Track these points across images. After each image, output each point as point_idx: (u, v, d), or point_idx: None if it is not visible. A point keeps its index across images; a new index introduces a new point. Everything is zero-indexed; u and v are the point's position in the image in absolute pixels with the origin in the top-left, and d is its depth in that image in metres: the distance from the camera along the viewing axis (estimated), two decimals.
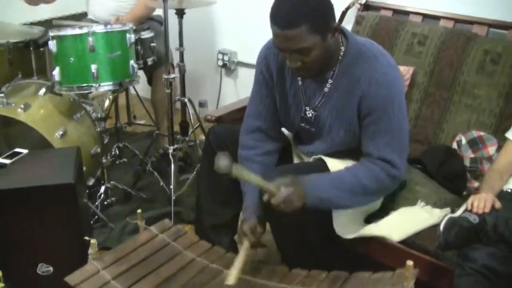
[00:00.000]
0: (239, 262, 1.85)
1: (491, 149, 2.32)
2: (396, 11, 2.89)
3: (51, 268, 2.19)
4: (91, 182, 2.96)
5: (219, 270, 1.97)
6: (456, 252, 1.80)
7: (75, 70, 2.53)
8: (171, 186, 2.79)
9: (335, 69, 1.94)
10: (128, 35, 2.61)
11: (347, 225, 2.01)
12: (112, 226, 2.69)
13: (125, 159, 3.38)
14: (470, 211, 1.81)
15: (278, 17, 1.76)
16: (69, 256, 2.04)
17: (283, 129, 2.23)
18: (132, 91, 3.86)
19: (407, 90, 2.58)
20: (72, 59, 2.51)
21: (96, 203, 2.79)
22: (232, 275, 1.80)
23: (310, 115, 2.04)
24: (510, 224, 1.74)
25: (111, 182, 2.90)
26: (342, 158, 2.04)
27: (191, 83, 3.99)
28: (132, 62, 2.64)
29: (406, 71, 2.58)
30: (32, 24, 3.48)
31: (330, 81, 1.96)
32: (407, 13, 2.84)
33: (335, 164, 2.01)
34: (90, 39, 2.48)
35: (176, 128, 3.51)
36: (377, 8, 2.96)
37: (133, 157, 3.35)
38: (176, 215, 2.76)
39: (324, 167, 2.00)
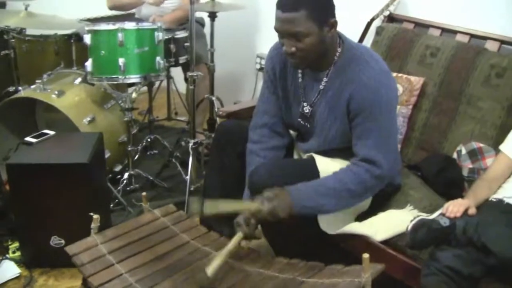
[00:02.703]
0: (224, 253, 1.89)
1: (489, 161, 2.37)
2: (417, 24, 2.98)
3: (63, 241, 2.40)
4: (118, 168, 3.19)
5: (209, 252, 2.12)
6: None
7: (105, 62, 2.76)
8: (187, 177, 2.97)
9: (330, 68, 2.08)
10: (156, 33, 2.82)
11: (331, 222, 2.11)
12: (130, 210, 2.89)
13: (156, 151, 3.60)
14: (444, 214, 1.89)
15: (282, 1, 1.94)
16: (80, 231, 2.17)
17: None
18: (173, 88, 4.09)
19: (416, 99, 2.67)
20: (103, 52, 2.75)
21: (118, 188, 3.00)
22: (212, 266, 1.82)
23: (307, 110, 2.17)
24: (479, 229, 1.81)
25: (135, 169, 3.10)
26: (333, 157, 2.15)
27: (229, 83, 4.19)
28: (158, 58, 2.84)
29: (416, 81, 2.66)
30: (89, 20, 3.74)
31: (325, 79, 2.09)
32: (427, 26, 2.93)
33: (324, 162, 2.13)
34: (120, 34, 2.70)
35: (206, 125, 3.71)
36: (400, 20, 3.06)
37: (164, 149, 3.55)
38: None
39: (313, 165, 2.11)
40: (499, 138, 2.35)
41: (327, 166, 2.11)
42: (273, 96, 2.29)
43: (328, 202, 2.01)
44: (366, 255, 1.70)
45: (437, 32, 2.86)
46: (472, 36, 2.74)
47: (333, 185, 2.01)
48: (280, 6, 1.94)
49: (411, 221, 1.88)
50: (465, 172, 2.40)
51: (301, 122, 2.22)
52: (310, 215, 2.05)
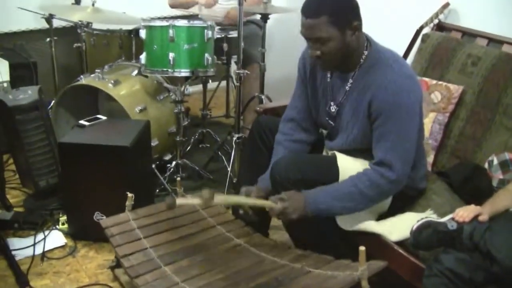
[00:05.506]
0: (236, 199, 2.19)
1: None
2: (465, 33, 2.97)
3: (104, 217, 2.58)
4: (167, 157, 3.38)
5: (231, 238, 2.26)
6: None
7: (157, 56, 2.94)
8: (229, 168, 3.11)
9: (356, 70, 2.15)
10: (206, 31, 2.97)
11: (349, 219, 2.17)
12: (174, 196, 3.05)
13: (208, 144, 3.79)
14: (453, 219, 1.92)
15: (305, 7, 2.05)
16: (120, 209, 2.38)
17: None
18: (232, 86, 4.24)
19: (454, 108, 2.68)
20: (155, 46, 2.93)
21: (165, 175, 3.17)
22: (220, 198, 2.10)
23: (334, 110, 2.26)
24: (486, 235, 1.82)
25: (183, 160, 3.26)
26: (355, 156, 2.22)
27: (281, 84, 4.28)
28: (207, 55, 2.99)
29: (455, 89, 2.67)
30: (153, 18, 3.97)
31: (351, 80, 2.18)
32: (474, 36, 2.91)
33: (345, 160, 2.20)
34: (171, 31, 2.87)
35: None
36: (449, 29, 3.06)
37: (215, 144, 3.71)
38: None
39: (334, 162, 2.19)
40: None
41: (347, 164, 2.18)
42: (302, 93, 2.39)
43: (343, 205, 2.09)
44: (362, 248, 1.77)
45: (484, 42, 2.85)
46: None
47: (348, 190, 2.09)
48: (303, 12, 2.05)
49: (418, 221, 1.92)
50: (494, 183, 2.39)
51: (328, 120, 2.30)
52: (324, 217, 2.13)
